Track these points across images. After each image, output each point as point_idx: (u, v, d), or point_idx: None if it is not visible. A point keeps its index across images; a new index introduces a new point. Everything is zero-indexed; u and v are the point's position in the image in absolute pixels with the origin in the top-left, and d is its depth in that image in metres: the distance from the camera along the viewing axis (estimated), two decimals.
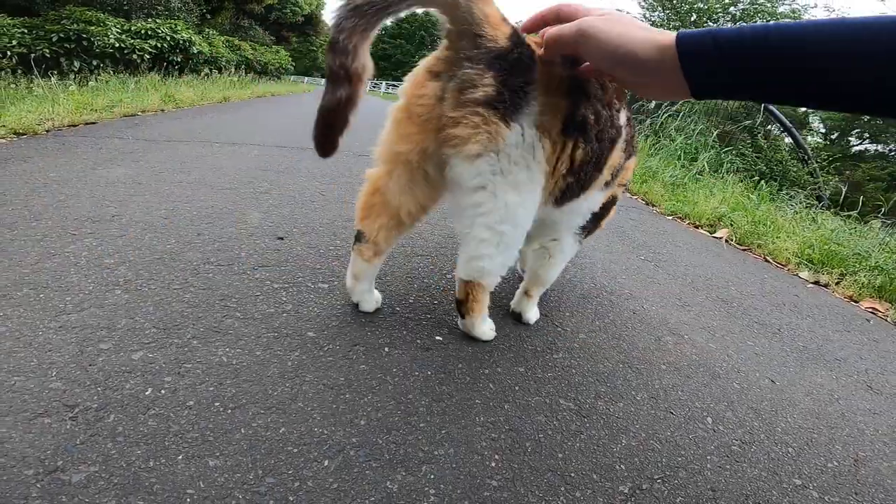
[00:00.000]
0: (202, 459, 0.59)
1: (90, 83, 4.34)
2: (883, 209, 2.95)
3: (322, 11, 24.08)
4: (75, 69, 6.83)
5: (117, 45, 7.40)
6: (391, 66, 47.25)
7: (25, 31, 6.50)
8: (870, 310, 1.85)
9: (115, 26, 7.49)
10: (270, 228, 1.38)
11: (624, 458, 0.75)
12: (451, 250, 1.45)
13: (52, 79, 4.32)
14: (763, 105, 4.35)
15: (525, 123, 0.70)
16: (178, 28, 8.93)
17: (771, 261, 2.25)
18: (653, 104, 5.36)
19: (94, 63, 7.11)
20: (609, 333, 1.15)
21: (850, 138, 25.80)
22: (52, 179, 1.57)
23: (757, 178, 3.97)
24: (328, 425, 0.68)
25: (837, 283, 2.04)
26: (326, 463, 0.62)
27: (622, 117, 0.82)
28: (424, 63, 0.77)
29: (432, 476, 0.64)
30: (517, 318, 1.08)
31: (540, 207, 0.80)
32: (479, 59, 0.67)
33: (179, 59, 8.84)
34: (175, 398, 0.67)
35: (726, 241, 2.46)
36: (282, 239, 1.32)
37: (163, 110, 3.46)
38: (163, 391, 0.67)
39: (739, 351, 1.21)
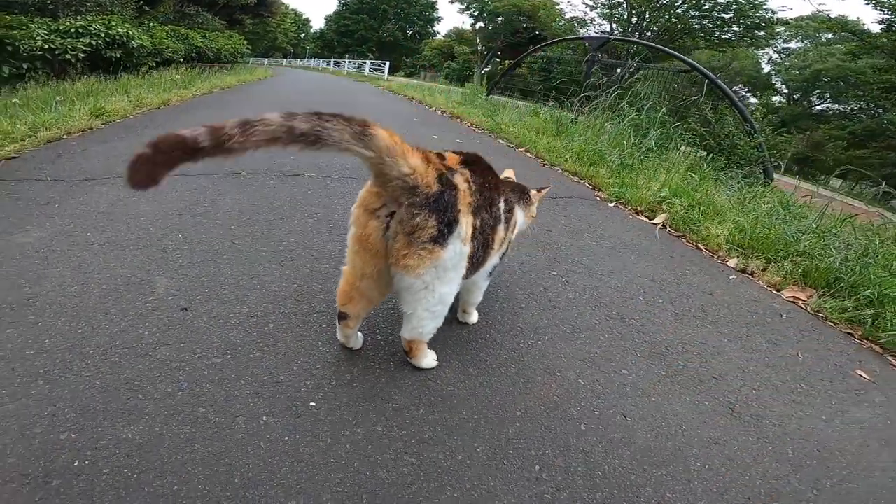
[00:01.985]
0: None
1: (14, 98, 4.03)
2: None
3: None
4: (5, 75, 6.41)
5: (46, 46, 6.94)
6: (354, 42, 45.62)
7: None
8: (791, 298, 1.89)
9: (39, 28, 7.00)
10: (175, 298, 1.31)
11: None
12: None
13: None
14: (707, 80, 4.34)
15: (457, 241, 0.93)
16: (113, 23, 8.40)
17: (703, 248, 2.28)
18: (605, 80, 5.31)
19: (26, 67, 6.68)
20: (478, 381, 1.15)
21: (812, 98, 26.20)
22: None
23: (705, 153, 3.99)
24: (210, 484, 0.83)
25: (763, 270, 2.08)
26: None
27: (500, 205, 1.08)
28: (362, 201, 0.96)
29: None
30: (464, 324, 1.38)
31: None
32: (421, 206, 0.87)
33: (119, 55, 8.35)
34: (95, 467, 0.84)
35: (662, 226, 2.48)
36: (185, 310, 1.26)
37: (91, 128, 3.22)
38: (86, 462, 0.85)
39: (609, 382, 1.22)
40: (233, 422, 0.94)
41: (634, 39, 7.72)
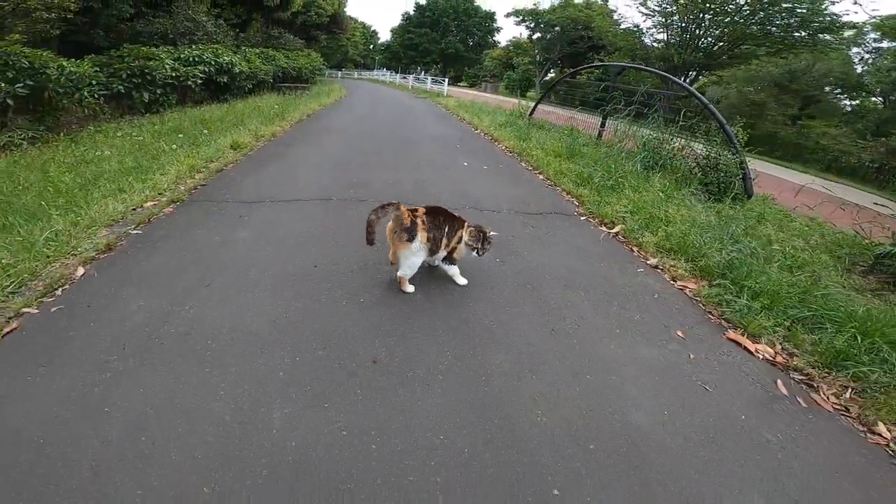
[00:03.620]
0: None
1: (164, 126, 5.59)
2: None
3: (344, 9, 25.09)
4: (145, 100, 8.28)
5: (173, 73, 8.78)
6: (419, 54, 47.84)
7: (99, 69, 7.87)
8: (681, 286, 2.73)
9: (168, 57, 8.83)
10: (313, 260, 2.52)
11: None
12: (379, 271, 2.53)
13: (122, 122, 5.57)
14: (704, 105, 5.06)
15: (416, 241, 2.15)
16: (220, 52, 10.25)
17: (636, 250, 3.16)
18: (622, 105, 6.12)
19: (158, 93, 8.54)
20: (437, 298, 2.21)
21: None
22: (233, 238, 2.77)
23: (690, 173, 4.73)
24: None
25: (673, 267, 2.92)
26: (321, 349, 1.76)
27: (445, 229, 2.26)
28: (389, 226, 2.21)
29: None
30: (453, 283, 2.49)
31: (426, 257, 2.26)
32: (403, 229, 2.13)
33: (226, 80, 10.17)
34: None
35: (615, 235, 3.38)
36: (315, 267, 2.46)
37: (235, 161, 4.49)
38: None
39: (499, 312, 2.24)
40: (341, 302, 2.07)
41: (644, 67, 8.32)
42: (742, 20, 18.45)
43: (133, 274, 2.29)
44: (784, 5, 17.09)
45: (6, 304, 1.94)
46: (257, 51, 13.58)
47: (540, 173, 5.12)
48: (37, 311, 1.95)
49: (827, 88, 21.97)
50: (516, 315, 2.23)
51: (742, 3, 18.03)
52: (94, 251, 2.44)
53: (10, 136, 5.32)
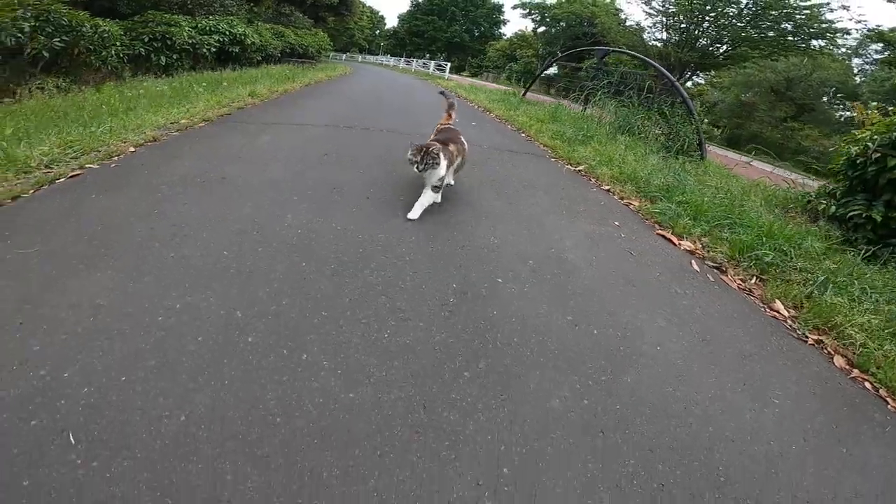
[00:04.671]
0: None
1: (181, 80, 6.18)
2: None
3: None
4: (161, 63, 8.84)
5: (190, 41, 9.33)
6: (424, 42, 48.18)
7: (122, 33, 8.46)
8: (626, 203, 3.36)
9: (187, 25, 9.39)
10: (326, 157, 3.13)
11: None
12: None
13: (146, 78, 6.17)
14: (671, 82, 5.69)
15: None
16: (235, 24, 10.79)
17: (593, 180, 3.79)
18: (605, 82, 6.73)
19: (175, 57, 9.09)
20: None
21: None
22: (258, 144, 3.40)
23: (655, 138, 5.36)
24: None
25: (621, 190, 3.54)
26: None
27: (452, 149, 2.55)
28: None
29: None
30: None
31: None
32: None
33: (237, 51, 10.72)
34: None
35: (578, 171, 4.01)
36: (326, 155, 3.08)
37: (253, 104, 5.27)
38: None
39: (470, 206, 2.86)
40: (346, 171, 2.69)
41: (625, 51, 8.93)
42: (742, 24, 19.03)
43: (177, 152, 2.94)
44: (784, 11, 17.67)
45: (73, 161, 2.58)
46: (268, 26, 14.10)
47: (522, 132, 5.74)
48: (97, 166, 2.58)
49: (825, 98, 22.58)
50: (482, 195, 2.87)
51: (742, 8, 18.61)
52: (142, 140, 3.08)
53: (41, 82, 5.91)
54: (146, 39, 8.58)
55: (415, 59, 27.59)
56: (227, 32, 10.41)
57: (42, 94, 5.31)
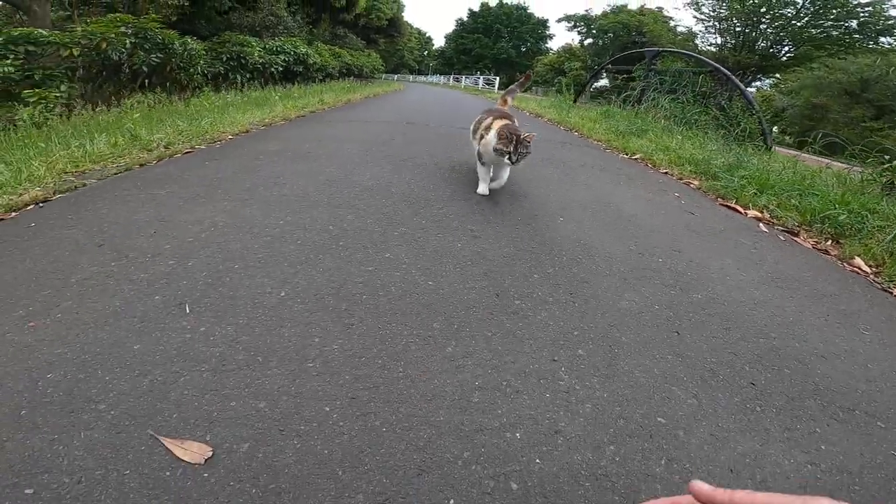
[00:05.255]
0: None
1: (257, 93, 6.86)
2: None
3: (402, 14, 26.69)
4: (237, 82, 9.73)
5: (260, 60, 10.22)
6: (472, 60, 49.34)
7: (204, 53, 9.40)
8: (685, 182, 3.37)
9: (258, 46, 10.30)
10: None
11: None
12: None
13: (230, 92, 6.89)
14: (727, 78, 5.60)
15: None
16: (298, 44, 11.68)
17: (649, 165, 3.82)
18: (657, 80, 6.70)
19: (248, 76, 9.99)
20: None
21: None
22: (331, 133, 3.80)
23: (715, 128, 5.28)
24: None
25: (679, 172, 3.56)
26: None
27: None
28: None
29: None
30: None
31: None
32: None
33: (301, 70, 11.58)
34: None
35: (637, 159, 4.05)
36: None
37: (322, 109, 5.83)
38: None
39: (544, 181, 3.00)
40: (408, 145, 2.94)
41: (676, 50, 8.75)
42: (801, 24, 18.13)
43: (267, 138, 3.40)
44: (846, 9, 16.69)
45: (185, 143, 3.02)
46: (326, 47, 15.12)
47: (575, 131, 5.83)
48: (204, 147, 3.01)
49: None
50: (536, 170, 3.02)
51: (799, 7, 17.77)
52: (237, 131, 3.54)
53: (143, 95, 6.72)
54: (224, 59, 9.48)
55: (464, 76, 28.32)
56: (292, 52, 11.28)
57: (141, 106, 6.08)
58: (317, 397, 0.95)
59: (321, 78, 13.01)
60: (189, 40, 7.47)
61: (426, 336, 1.18)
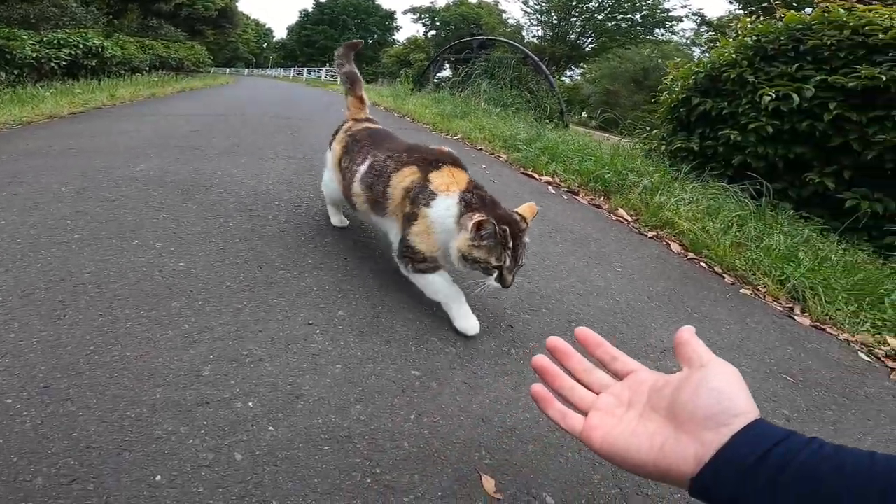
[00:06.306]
0: None
1: (47, 92, 5.58)
2: None
3: (237, 4, 24.35)
4: (2, 78, 7.81)
5: (34, 55, 8.36)
6: (316, 52, 47.19)
7: None
8: (496, 156, 3.71)
9: (29, 39, 8.42)
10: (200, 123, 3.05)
11: None
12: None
13: None
14: (535, 61, 6.33)
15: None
16: (90, 36, 9.86)
17: (467, 142, 4.12)
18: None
19: (16, 73, 8.08)
20: None
21: None
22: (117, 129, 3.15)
23: (526, 109, 5.93)
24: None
25: (490, 146, 3.90)
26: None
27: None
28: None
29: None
30: None
31: None
32: None
33: (94, 64, 9.80)
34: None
35: (455, 138, 4.32)
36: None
37: (113, 104, 4.91)
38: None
39: None
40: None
41: (497, 38, 9.77)
42: (601, 17, 21.33)
43: (20, 137, 2.71)
44: (633, 3, 20.09)
45: None
46: (132, 39, 13.01)
47: (408, 117, 6.00)
48: None
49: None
50: None
51: (601, 1, 20.87)
52: None
53: None
54: None
55: (306, 69, 27.02)
56: (80, 45, 9.47)
57: None
58: None
59: (125, 72, 11.17)
60: None
61: (159, 317, 1.09)
